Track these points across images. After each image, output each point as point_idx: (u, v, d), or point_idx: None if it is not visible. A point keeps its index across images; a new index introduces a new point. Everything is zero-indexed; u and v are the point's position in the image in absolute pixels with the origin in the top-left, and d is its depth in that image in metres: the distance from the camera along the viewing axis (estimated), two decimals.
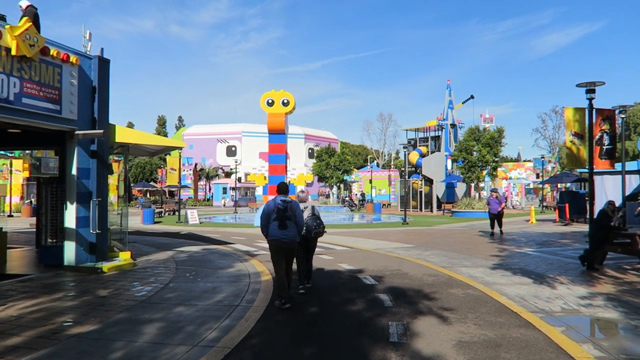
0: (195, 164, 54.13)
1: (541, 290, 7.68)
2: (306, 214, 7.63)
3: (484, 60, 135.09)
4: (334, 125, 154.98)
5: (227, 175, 57.67)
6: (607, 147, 11.91)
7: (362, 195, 49.09)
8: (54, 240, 9.69)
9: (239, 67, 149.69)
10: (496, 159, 29.96)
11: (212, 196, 55.20)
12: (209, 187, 57.06)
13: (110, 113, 10.18)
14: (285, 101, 21.72)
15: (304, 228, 7.42)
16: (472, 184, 32.90)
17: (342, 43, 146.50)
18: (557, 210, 23.83)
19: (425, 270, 9.62)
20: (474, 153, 30.41)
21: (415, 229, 20.41)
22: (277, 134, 22.18)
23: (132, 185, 52.49)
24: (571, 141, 11.75)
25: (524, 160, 71.62)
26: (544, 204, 39.01)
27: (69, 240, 9.28)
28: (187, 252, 12.40)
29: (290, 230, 6.73)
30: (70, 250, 9.28)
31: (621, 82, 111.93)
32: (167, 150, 12.41)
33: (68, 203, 9.30)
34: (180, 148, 10.91)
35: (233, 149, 65.84)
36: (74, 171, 9.25)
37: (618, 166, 19.83)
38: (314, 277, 8.67)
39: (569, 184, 56.87)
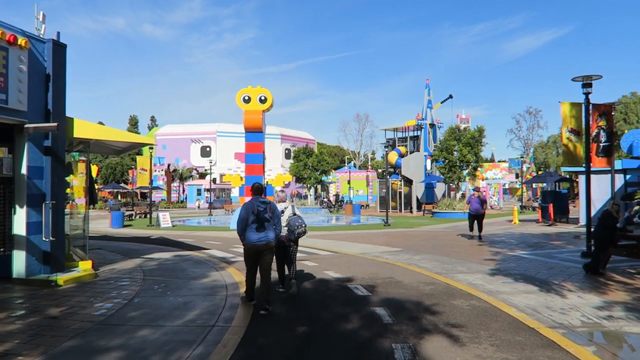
0: (169, 165, 52.45)
1: (552, 300, 6.95)
2: (287, 214, 7.39)
3: (458, 63, 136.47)
4: (310, 126, 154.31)
5: (202, 176, 56.15)
6: (604, 144, 11.37)
7: (336, 196, 48.26)
8: (2, 249, 8.49)
9: (213, 67, 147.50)
10: (477, 159, 29.52)
11: (185, 198, 53.57)
12: (183, 188, 55.42)
13: (80, 113, 9.18)
14: (263, 98, 20.73)
15: (287, 229, 7.26)
16: (453, 185, 32.45)
17: (317, 44, 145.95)
18: (540, 210, 23.48)
19: (419, 278, 8.81)
20: (455, 153, 29.94)
21: (398, 231, 19.69)
22: (254, 133, 21.16)
23: (101, 187, 50.48)
24: (568, 138, 11.16)
25: (499, 161, 72.15)
26: (522, 203, 38.94)
27: (19, 249, 8.12)
28: (157, 259, 11.30)
29: (268, 232, 6.52)
30: (20, 261, 8.12)
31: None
32: (136, 147, 11.31)
33: (17, 206, 8.15)
34: (150, 145, 9.87)
35: (207, 149, 64.29)
36: (23, 170, 8.11)
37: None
38: (298, 288, 7.79)
39: (544, 184, 57.42)
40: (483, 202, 15.61)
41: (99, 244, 14.61)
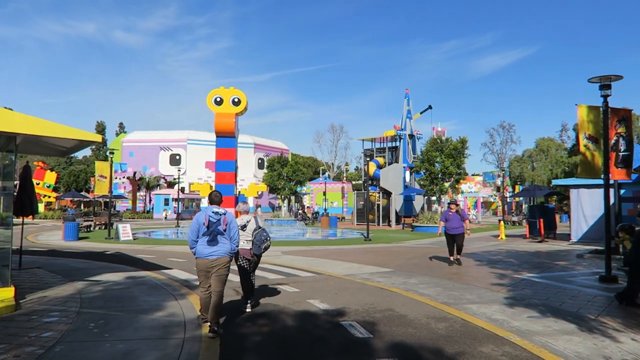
0: (134, 173, 49.77)
1: (604, 345, 5.45)
2: (251, 228, 7.10)
3: (429, 78, 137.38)
4: (283, 137, 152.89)
5: (170, 185, 53.62)
6: (623, 153, 10.08)
7: (302, 207, 46.51)
8: None
9: (186, 75, 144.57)
10: (459, 171, 28.42)
11: (152, 208, 50.93)
12: (150, 198, 52.73)
13: (44, 118, 7.32)
14: (236, 100, 19.03)
15: (253, 243, 7.04)
16: (435, 197, 31.26)
17: (292, 56, 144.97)
18: (527, 226, 22.37)
19: (426, 310, 7.21)
20: (436, 164, 28.77)
21: (381, 247, 18.15)
22: (226, 138, 19.41)
23: (60, 195, 47.40)
24: (585, 145, 9.83)
25: (473, 174, 72.06)
26: (502, 217, 38.07)
27: None
28: (103, 283, 9.37)
29: (222, 246, 5.96)
30: None
31: (557, 105, 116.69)
32: (83, 146, 9.41)
33: None
34: (96, 142, 8.08)
35: (177, 157, 61.76)
36: None
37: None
38: (277, 327, 6.10)
39: (520, 198, 57.11)
40: (463, 218, 12.33)
41: (40, 262, 12.53)
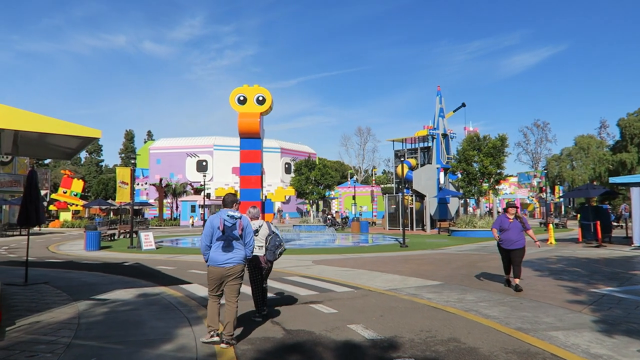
0: (160, 180, 49.32)
1: None
2: (263, 233, 6.81)
3: (457, 79, 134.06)
4: (310, 142, 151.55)
5: (197, 192, 53.04)
6: None
7: (326, 212, 45.13)
8: None
9: (213, 84, 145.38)
10: (500, 170, 26.56)
11: (179, 215, 50.38)
12: (176, 204, 52.24)
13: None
14: (261, 98, 17.85)
15: (266, 249, 6.75)
16: (473, 199, 29.46)
17: (317, 61, 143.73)
18: (580, 229, 20.37)
19: (500, 340, 5.68)
20: (474, 164, 26.97)
21: (421, 254, 16.57)
22: (251, 139, 18.22)
23: (87, 203, 47.25)
24: None
25: (507, 175, 69.36)
26: (544, 220, 35.81)
27: None
28: (110, 302, 8.15)
29: (237, 252, 5.61)
30: None
31: (587, 101, 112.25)
32: (84, 144, 8.26)
33: None
34: (94, 137, 6.93)
35: (204, 163, 61.28)
36: None
37: None
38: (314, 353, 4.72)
39: (560, 199, 54.31)
40: (525, 227, 9.35)
41: (50, 275, 11.50)
